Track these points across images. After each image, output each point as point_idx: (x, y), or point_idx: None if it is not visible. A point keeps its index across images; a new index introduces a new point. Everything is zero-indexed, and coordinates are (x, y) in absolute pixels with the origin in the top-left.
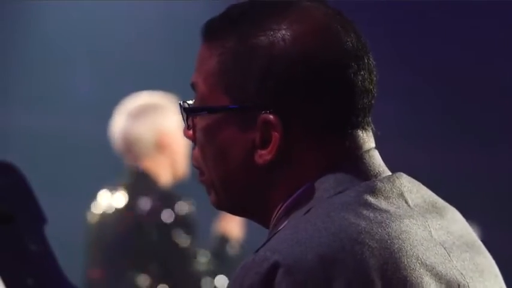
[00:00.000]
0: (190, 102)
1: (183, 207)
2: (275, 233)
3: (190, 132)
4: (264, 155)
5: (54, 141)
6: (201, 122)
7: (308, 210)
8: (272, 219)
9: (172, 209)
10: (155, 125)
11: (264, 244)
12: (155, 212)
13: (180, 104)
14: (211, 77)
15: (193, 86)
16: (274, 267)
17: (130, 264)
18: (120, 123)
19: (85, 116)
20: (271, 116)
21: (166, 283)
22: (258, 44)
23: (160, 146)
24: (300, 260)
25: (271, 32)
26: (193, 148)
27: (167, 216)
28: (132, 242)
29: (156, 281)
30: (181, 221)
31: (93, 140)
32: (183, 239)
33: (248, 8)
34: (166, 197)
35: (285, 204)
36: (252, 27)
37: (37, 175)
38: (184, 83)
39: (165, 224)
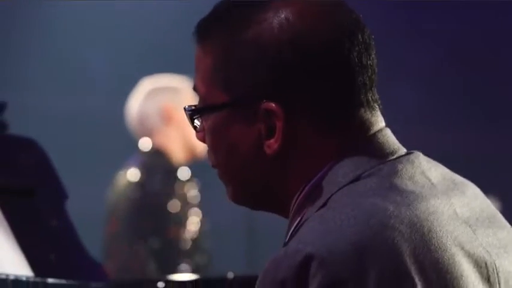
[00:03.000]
0: (194, 105)
1: (192, 185)
2: (297, 224)
3: (201, 134)
4: (271, 145)
5: (70, 120)
6: (207, 122)
7: (330, 197)
8: (291, 208)
9: (175, 185)
10: (163, 101)
11: (292, 236)
12: (166, 188)
13: (184, 108)
14: (207, 77)
15: (195, 88)
16: (308, 259)
17: (143, 240)
18: (133, 102)
19: (101, 95)
20: (271, 104)
21: (174, 258)
22: (247, 36)
23: (166, 119)
24: (333, 250)
25: (259, 22)
26: (207, 149)
27: (177, 192)
28: (144, 217)
29: (163, 255)
30: (189, 199)
31: (109, 118)
32: (192, 218)
33: (233, 2)
34: (175, 175)
35: (303, 192)
36: (239, 21)
37: (55, 154)
38: None
39: (175, 201)
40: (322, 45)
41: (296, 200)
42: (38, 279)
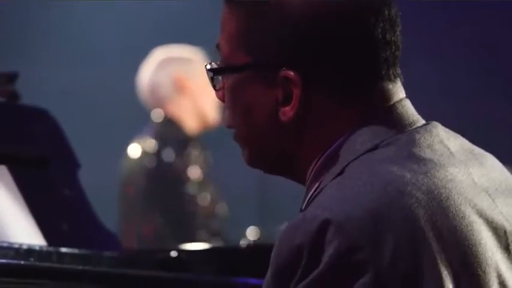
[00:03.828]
0: (216, 63)
1: (203, 155)
2: (314, 191)
3: (220, 93)
4: (287, 112)
5: (84, 94)
6: (227, 82)
7: (347, 165)
8: (308, 175)
9: (189, 155)
10: (176, 71)
11: (309, 202)
12: (179, 157)
13: (205, 65)
14: (232, 38)
15: (217, 47)
16: (325, 225)
17: (155, 210)
18: (144, 72)
19: (113, 68)
20: (290, 73)
21: (188, 227)
22: (272, 3)
23: (179, 88)
24: (350, 216)
25: None
26: (224, 109)
27: (190, 161)
28: (158, 187)
29: (177, 224)
30: (202, 168)
31: (122, 92)
32: (206, 186)
33: None
34: (189, 144)
35: (321, 160)
36: None
37: (67, 127)
38: (214, 37)
39: (189, 170)
40: (346, 19)
41: (313, 168)
42: (51, 249)
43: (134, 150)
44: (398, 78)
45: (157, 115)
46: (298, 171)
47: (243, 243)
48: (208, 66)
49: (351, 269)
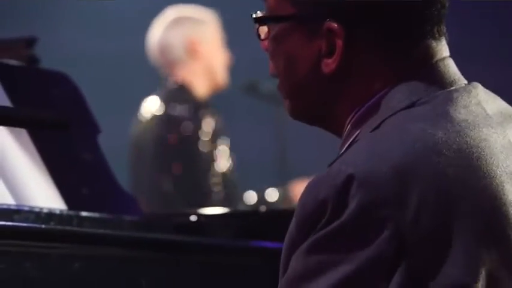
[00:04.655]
0: (262, 13)
1: (212, 117)
2: (349, 145)
3: (265, 43)
4: (329, 64)
5: (101, 60)
6: (271, 32)
7: (383, 121)
8: (344, 129)
9: (201, 119)
10: (188, 33)
11: (339, 157)
12: (191, 121)
13: (251, 14)
14: None
15: None
16: (349, 179)
17: (161, 168)
18: (156, 33)
19: (128, 35)
20: (334, 25)
21: (204, 192)
22: None
23: (191, 52)
24: (375, 172)
25: None
26: (269, 59)
27: (196, 124)
28: (171, 151)
29: (184, 190)
30: (216, 132)
31: (137, 58)
32: (220, 150)
33: None
34: (198, 107)
35: (358, 114)
36: None
37: (87, 91)
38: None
39: (201, 133)
40: None
41: (350, 121)
42: (72, 213)
43: (144, 113)
44: (443, 37)
45: (168, 78)
46: (336, 124)
47: (262, 207)
48: (254, 16)
49: (372, 223)
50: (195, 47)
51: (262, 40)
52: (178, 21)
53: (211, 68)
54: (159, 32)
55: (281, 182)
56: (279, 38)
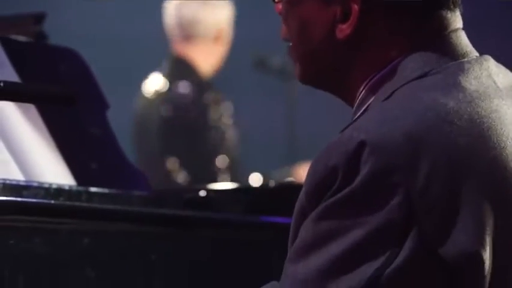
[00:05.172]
0: None
1: (217, 94)
2: (361, 113)
3: (279, 5)
4: (344, 30)
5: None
6: None
7: (395, 90)
8: (356, 97)
9: (206, 95)
10: (219, 16)
11: (350, 124)
12: (191, 96)
13: None
14: None
15: None
16: (360, 146)
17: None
18: (182, 4)
19: (133, 13)
20: None
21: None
22: None
23: (216, 35)
24: (387, 139)
25: None
26: (282, 22)
27: (201, 100)
28: (172, 129)
29: (189, 168)
30: (222, 109)
31: (143, 34)
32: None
33: None
34: (203, 84)
35: (370, 83)
36: None
37: (95, 67)
38: None
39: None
40: None
41: (362, 90)
42: (81, 188)
43: (148, 90)
44: (457, 8)
45: (173, 54)
46: (347, 91)
47: (271, 182)
48: None
49: (383, 190)
50: (222, 31)
51: (276, 2)
52: (210, 2)
53: (223, 51)
54: (187, 4)
55: (289, 162)
56: (294, 2)
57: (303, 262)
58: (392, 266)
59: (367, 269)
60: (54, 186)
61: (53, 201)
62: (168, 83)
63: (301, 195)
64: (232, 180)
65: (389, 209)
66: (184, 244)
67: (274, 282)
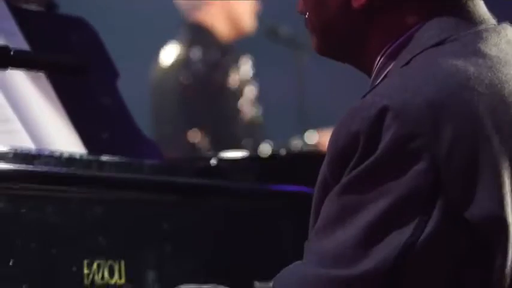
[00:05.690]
0: None
1: (237, 62)
2: (381, 79)
3: None
4: None
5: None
6: None
7: (414, 57)
8: (375, 65)
9: (226, 58)
10: None
11: (371, 90)
12: (212, 67)
13: None
14: None
15: None
16: (383, 111)
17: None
18: None
19: None
20: None
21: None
22: None
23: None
24: (409, 104)
25: None
26: None
27: (228, 68)
28: (190, 97)
29: (215, 132)
30: (241, 75)
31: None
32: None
33: None
34: (224, 50)
35: (388, 51)
36: None
37: (106, 36)
38: None
39: (226, 76)
40: None
41: (380, 58)
42: (92, 157)
43: (165, 58)
44: None
45: (191, 21)
46: (365, 61)
47: (282, 151)
48: None
49: (407, 156)
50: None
51: None
52: None
53: (236, 11)
54: None
55: (298, 131)
56: None
57: (331, 237)
58: (424, 233)
59: (400, 237)
60: (65, 154)
61: (64, 170)
62: (185, 50)
63: (323, 166)
64: (255, 144)
65: (415, 175)
66: (195, 212)
67: (297, 263)
